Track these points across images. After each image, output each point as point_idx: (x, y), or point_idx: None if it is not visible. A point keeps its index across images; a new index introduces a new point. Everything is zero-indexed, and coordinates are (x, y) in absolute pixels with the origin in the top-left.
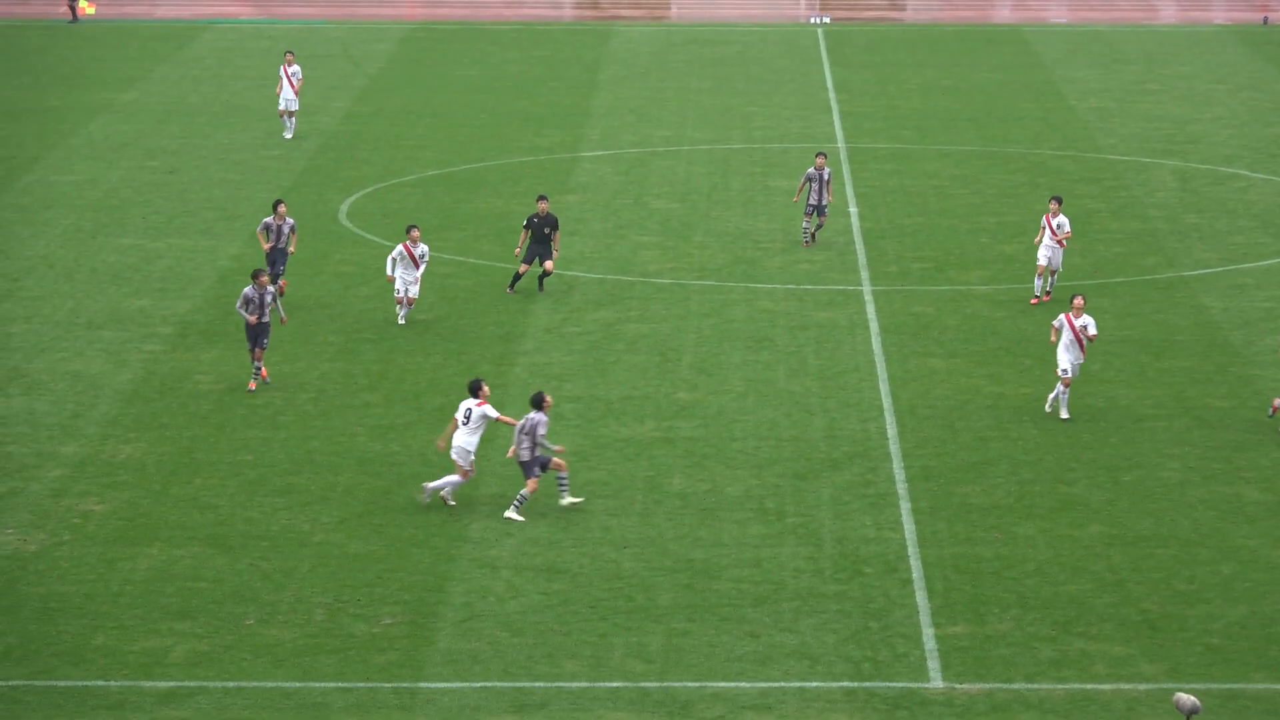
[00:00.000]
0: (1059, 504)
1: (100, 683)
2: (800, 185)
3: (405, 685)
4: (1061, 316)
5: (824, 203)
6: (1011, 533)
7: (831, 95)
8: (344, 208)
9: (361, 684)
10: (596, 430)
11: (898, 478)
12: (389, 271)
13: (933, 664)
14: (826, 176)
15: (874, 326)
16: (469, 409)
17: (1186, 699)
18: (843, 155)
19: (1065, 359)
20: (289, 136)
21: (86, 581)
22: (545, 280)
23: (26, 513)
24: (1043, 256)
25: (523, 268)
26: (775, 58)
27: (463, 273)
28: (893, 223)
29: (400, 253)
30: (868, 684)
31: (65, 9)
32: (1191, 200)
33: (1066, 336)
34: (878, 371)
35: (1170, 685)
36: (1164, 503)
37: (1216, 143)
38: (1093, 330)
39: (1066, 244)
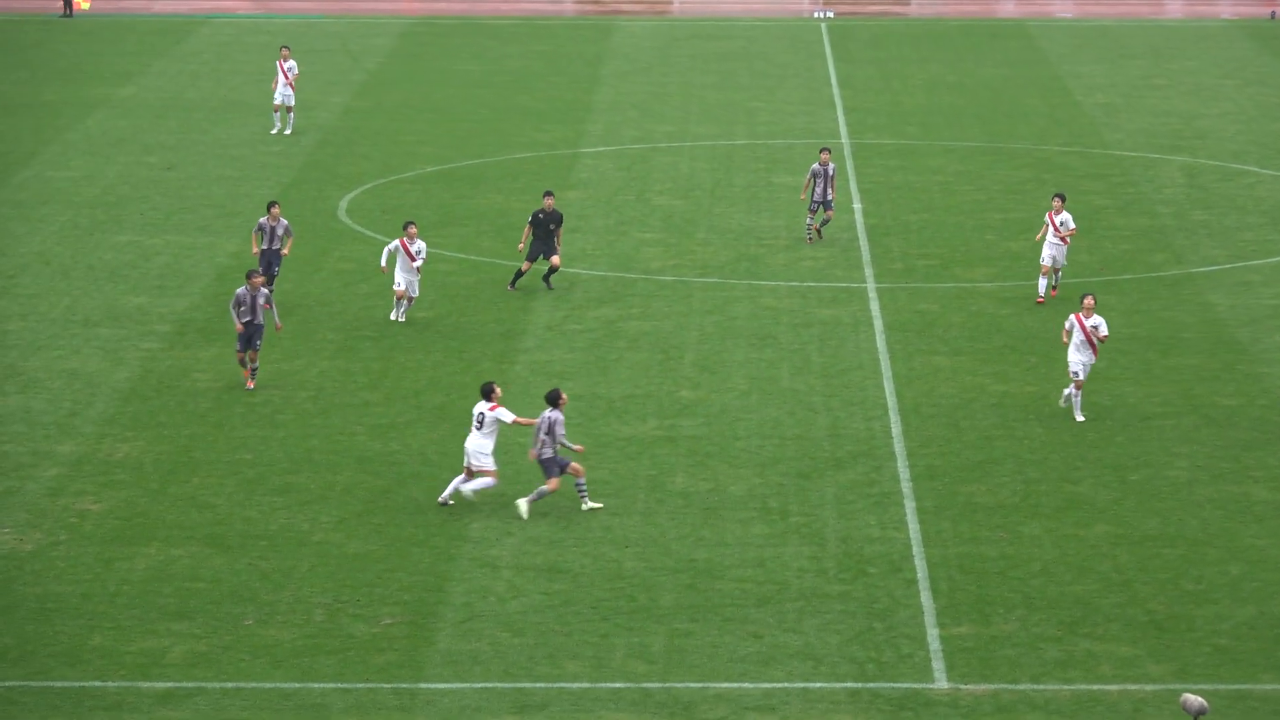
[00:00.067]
0: (1065, 503)
1: (97, 683)
2: (806, 182)
3: (405, 686)
4: (1072, 317)
5: (830, 198)
6: (1017, 532)
7: (835, 90)
8: (343, 204)
9: (361, 685)
10: (598, 429)
11: (902, 477)
12: (383, 263)
13: (937, 665)
14: (831, 172)
15: (878, 324)
16: (481, 413)
17: (1194, 700)
18: (847, 151)
19: (1076, 360)
20: (288, 132)
21: (83, 581)
22: (552, 276)
23: (23, 512)
24: (1046, 256)
25: (525, 265)
26: (779, 52)
27: (463, 270)
28: (897, 219)
29: (396, 248)
30: (872, 685)
31: (59, 2)
32: (1199, 196)
33: (1078, 337)
34: (882, 369)
35: (1177, 686)
36: (1171, 502)
37: (1224, 138)
38: (1104, 331)
39: (1070, 241)
